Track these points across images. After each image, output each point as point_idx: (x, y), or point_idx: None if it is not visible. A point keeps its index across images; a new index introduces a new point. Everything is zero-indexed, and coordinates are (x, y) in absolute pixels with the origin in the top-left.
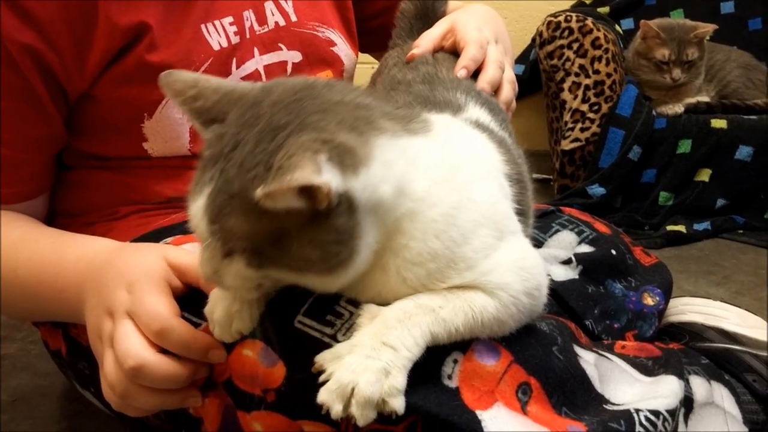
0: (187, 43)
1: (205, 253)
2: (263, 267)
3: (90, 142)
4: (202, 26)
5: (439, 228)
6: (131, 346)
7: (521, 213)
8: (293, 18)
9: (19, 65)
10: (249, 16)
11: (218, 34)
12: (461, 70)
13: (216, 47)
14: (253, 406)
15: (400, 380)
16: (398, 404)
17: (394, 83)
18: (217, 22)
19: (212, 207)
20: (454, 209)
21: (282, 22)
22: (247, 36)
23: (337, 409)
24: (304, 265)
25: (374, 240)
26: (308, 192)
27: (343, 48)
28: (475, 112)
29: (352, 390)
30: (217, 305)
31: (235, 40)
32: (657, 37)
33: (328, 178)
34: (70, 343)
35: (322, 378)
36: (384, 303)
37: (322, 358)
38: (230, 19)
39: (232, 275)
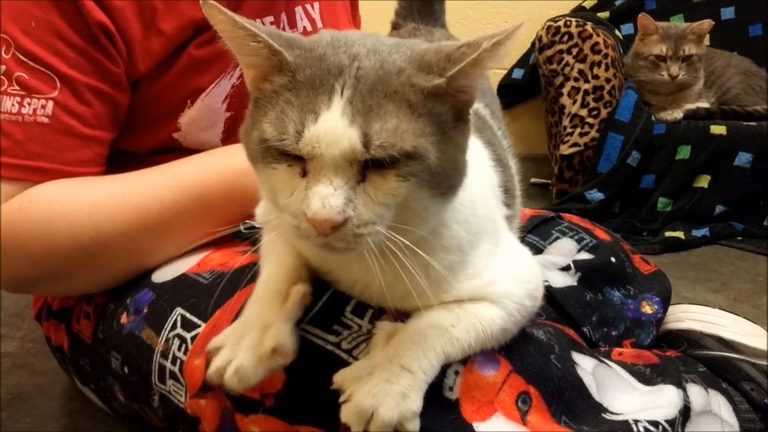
0: None
1: (335, 179)
2: (419, 179)
3: (122, 138)
4: None
5: (467, 214)
6: None
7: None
8: (319, 24)
9: (99, 40)
10: (283, 18)
11: None
12: None
13: None
14: (251, 409)
15: (417, 404)
16: (414, 426)
17: None
18: (258, 21)
19: (363, 110)
20: (475, 197)
21: (309, 28)
22: None
23: (356, 429)
24: (451, 174)
25: None
26: None
27: None
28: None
29: (372, 413)
30: (246, 331)
31: None
32: (655, 33)
33: None
34: (72, 338)
35: (342, 398)
36: (396, 295)
37: (342, 377)
38: (271, 18)
39: (375, 201)
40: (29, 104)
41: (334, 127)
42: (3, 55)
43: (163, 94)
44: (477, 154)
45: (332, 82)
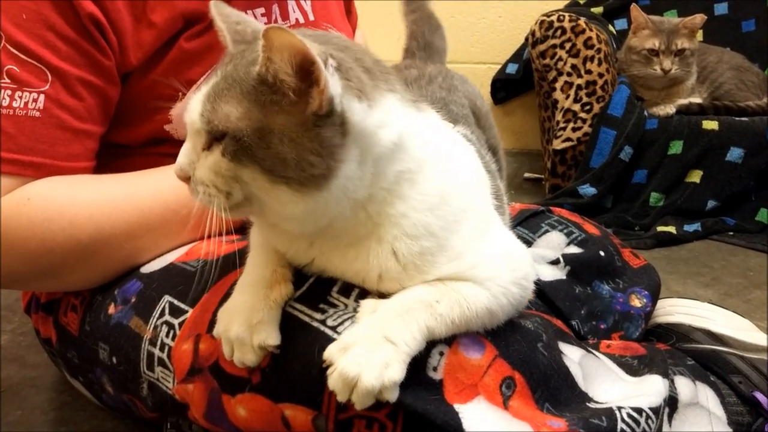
0: None
1: (188, 143)
2: (239, 159)
3: (113, 131)
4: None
5: (434, 202)
6: None
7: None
8: (311, 17)
9: (90, 32)
10: (275, 10)
11: None
12: None
13: None
14: (238, 388)
15: (399, 374)
16: (393, 396)
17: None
18: (250, 12)
19: (213, 91)
20: (448, 187)
21: (301, 20)
22: None
23: (341, 397)
24: (279, 167)
25: (359, 177)
26: (304, 73)
27: None
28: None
29: (356, 382)
30: (232, 321)
31: None
32: (646, 27)
33: (329, 78)
34: (60, 331)
35: (330, 370)
36: (373, 278)
37: (330, 353)
38: (262, 10)
39: (207, 167)
40: (20, 98)
41: (194, 102)
42: None
43: (155, 86)
44: (457, 154)
45: (219, 70)
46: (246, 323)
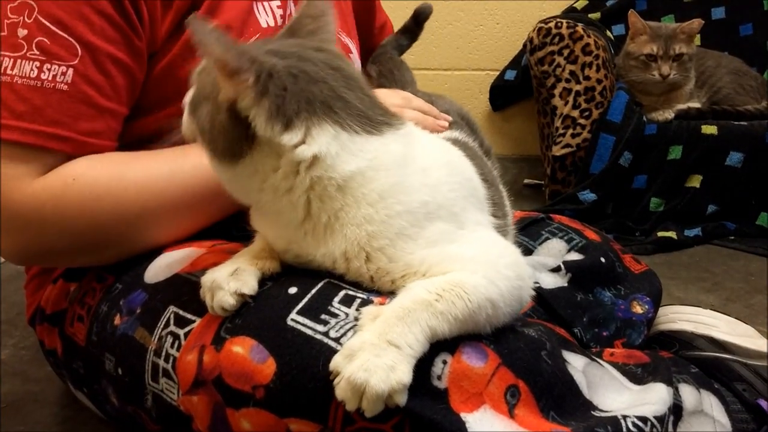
0: (242, 15)
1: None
2: (192, 114)
3: (143, 119)
4: (255, 4)
5: (373, 198)
6: None
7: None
8: None
9: (125, 7)
10: (290, 4)
11: (266, 14)
12: None
13: (264, 25)
14: (242, 403)
15: (406, 376)
16: (402, 399)
17: None
18: (266, 3)
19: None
20: (397, 187)
21: None
22: (287, 21)
23: (350, 406)
24: (200, 133)
25: (272, 168)
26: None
27: (355, 58)
28: (455, 133)
29: (364, 387)
30: (214, 271)
31: (279, 22)
32: (644, 32)
33: (234, 90)
34: (66, 342)
35: (337, 379)
36: (340, 260)
37: (336, 362)
38: (278, 2)
39: (184, 118)
40: (48, 70)
41: None
42: (25, 19)
43: (171, 69)
44: (424, 162)
45: None
46: (225, 273)
